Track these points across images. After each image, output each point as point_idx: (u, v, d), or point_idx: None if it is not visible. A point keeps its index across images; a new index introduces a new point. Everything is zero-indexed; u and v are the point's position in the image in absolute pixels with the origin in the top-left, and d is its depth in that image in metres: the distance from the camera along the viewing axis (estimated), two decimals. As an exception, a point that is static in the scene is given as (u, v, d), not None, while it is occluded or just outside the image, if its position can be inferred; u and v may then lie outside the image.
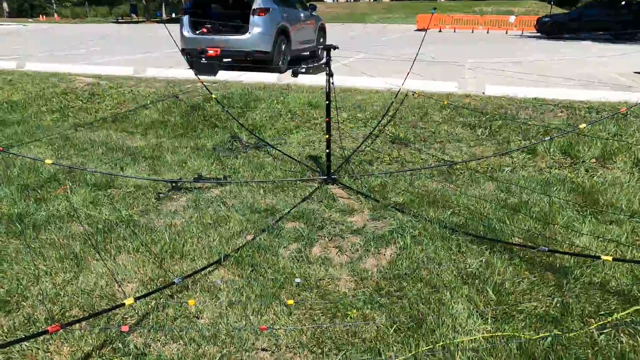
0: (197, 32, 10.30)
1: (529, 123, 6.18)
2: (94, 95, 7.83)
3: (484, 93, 8.05)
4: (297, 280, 2.88)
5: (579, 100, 7.21)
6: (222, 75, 9.79)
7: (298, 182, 4.47)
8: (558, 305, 2.65)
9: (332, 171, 4.51)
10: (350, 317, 2.59)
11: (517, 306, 2.64)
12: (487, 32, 29.19)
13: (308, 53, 13.00)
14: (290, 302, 2.62)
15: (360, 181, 4.44)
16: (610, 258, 2.63)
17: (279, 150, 5.32)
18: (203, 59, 9.80)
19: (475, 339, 2.40)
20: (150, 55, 14.98)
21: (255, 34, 9.89)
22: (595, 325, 2.46)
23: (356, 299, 2.74)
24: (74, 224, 3.71)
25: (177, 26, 10.24)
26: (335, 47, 4.10)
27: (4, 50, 15.93)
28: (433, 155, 5.29)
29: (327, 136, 4.35)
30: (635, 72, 10.64)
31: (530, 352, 2.31)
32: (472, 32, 29.79)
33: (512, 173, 4.78)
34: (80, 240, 3.41)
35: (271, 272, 3.01)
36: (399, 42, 20.18)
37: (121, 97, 7.75)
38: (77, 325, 2.42)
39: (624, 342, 2.36)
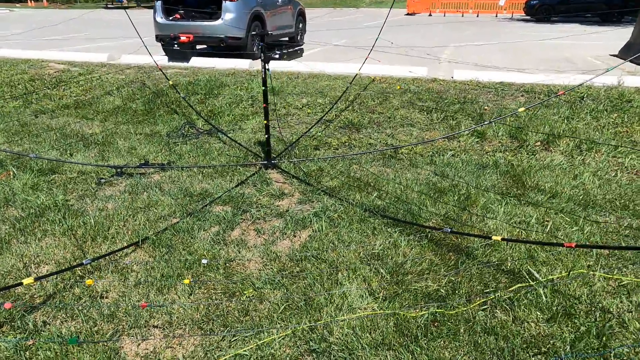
0: (171, 18, 10.30)
1: (485, 107, 6.23)
2: (61, 82, 7.90)
3: (452, 78, 8.08)
4: (204, 261, 2.98)
5: (542, 83, 7.25)
6: (195, 62, 9.83)
7: (239, 167, 4.56)
8: (449, 284, 2.75)
9: (273, 156, 4.60)
10: (247, 296, 2.69)
11: (410, 285, 2.74)
12: (477, 16, 28.99)
13: (287, 39, 12.98)
14: (187, 281, 2.72)
15: (300, 166, 4.52)
16: (499, 238, 2.73)
17: (228, 137, 5.41)
18: (176, 46, 9.82)
19: (359, 316, 2.50)
20: (131, 41, 14.93)
21: (228, 19, 9.90)
22: (477, 302, 2.56)
23: (258, 279, 2.84)
24: (10, 208, 3.80)
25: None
26: (267, 34, 4.15)
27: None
28: (381, 141, 5.36)
29: (265, 122, 4.43)
30: (610, 55, 10.64)
31: (407, 328, 2.42)
32: (462, 15, 29.58)
33: (453, 157, 4.86)
34: (9, 224, 3.51)
35: (185, 253, 3.12)
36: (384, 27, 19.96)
37: (88, 84, 7.81)
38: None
39: (497, 317, 2.47)
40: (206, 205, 3.77)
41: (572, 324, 2.41)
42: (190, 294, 2.74)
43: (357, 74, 6.89)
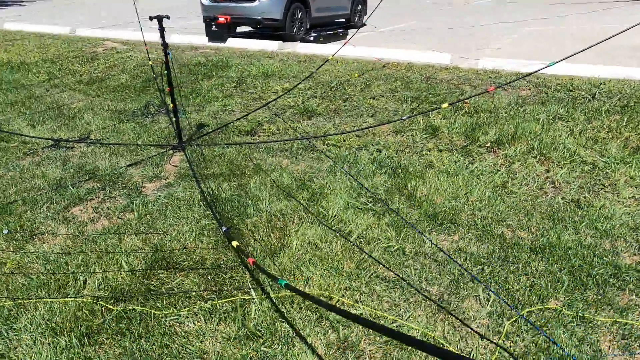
0: (214, 0, 10.76)
1: (465, 102, 5.65)
2: (93, 60, 8.75)
3: (477, 66, 7.42)
4: (5, 231, 3.23)
5: (567, 75, 6.33)
6: (231, 42, 10.19)
7: (151, 148, 4.75)
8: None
9: (184, 140, 4.72)
10: (9, 268, 2.88)
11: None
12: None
13: (344, 20, 12.79)
14: None
15: (202, 151, 4.57)
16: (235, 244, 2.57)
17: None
18: (214, 27, 10.25)
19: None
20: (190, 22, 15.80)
21: (265, 1, 10.06)
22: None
23: (50, 254, 3.02)
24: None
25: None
26: (166, 17, 4.23)
27: (70, 18, 17.96)
28: (316, 130, 5.16)
29: (172, 105, 4.54)
30: None
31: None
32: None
33: (376, 153, 4.51)
34: None
35: (11, 223, 3.39)
36: (464, 10, 18.55)
37: (113, 62, 8.55)
38: None
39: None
40: (77, 182, 4.00)
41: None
42: (-26, 259, 2.99)
43: (329, 58, 6.61)
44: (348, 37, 10.80)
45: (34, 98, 6.73)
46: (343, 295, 2.54)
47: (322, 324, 2.37)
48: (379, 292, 2.58)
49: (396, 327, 2.34)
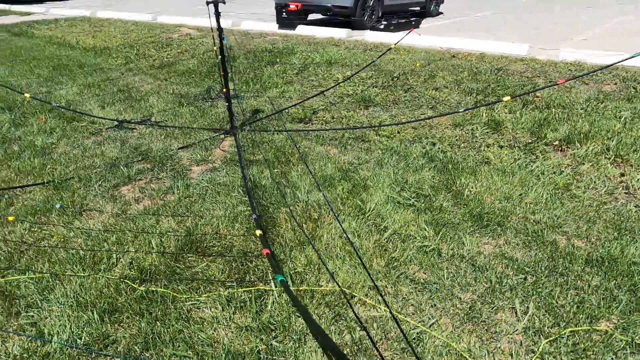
0: (285, -13, 10.81)
1: (537, 95, 5.24)
2: (167, 45, 9.10)
3: (557, 57, 6.90)
4: (58, 205, 3.40)
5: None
6: (300, 30, 10.20)
7: (206, 131, 4.83)
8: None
9: (237, 124, 4.77)
10: (56, 240, 3.04)
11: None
12: None
13: (418, 9, 12.39)
14: (11, 218, 3.18)
15: (252, 136, 4.58)
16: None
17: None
18: (284, 14, 10.31)
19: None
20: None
21: (334, -13, 9.96)
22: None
23: (92, 230, 3.16)
24: (15, 142, 4.80)
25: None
26: (222, 2, 4.25)
27: (156, 5, 18.77)
28: (372, 120, 5.00)
29: (225, 90, 4.58)
30: None
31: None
32: None
33: (429, 146, 4.30)
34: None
35: (65, 198, 3.59)
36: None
37: (184, 47, 8.85)
38: None
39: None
40: (131, 162, 4.16)
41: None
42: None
43: (392, 46, 6.37)
44: (419, 26, 10.44)
45: (109, 81, 7.10)
46: (367, 295, 2.42)
47: (340, 323, 2.26)
48: (405, 293, 2.43)
49: (417, 334, 2.18)
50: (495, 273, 2.54)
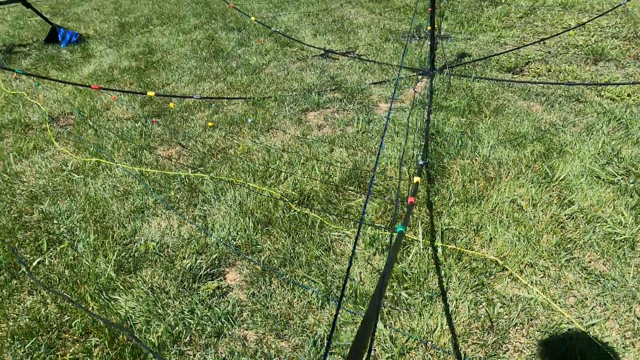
0: None
1: None
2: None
3: None
4: (250, 120, 3.75)
5: None
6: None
7: (404, 70, 4.73)
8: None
9: (437, 66, 4.54)
10: (242, 151, 3.39)
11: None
12: None
13: None
14: (210, 124, 3.60)
15: (449, 79, 4.31)
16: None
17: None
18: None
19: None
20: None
21: None
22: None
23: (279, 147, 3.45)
24: (235, 59, 5.42)
25: None
26: None
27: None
28: (601, 76, 4.22)
29: (430, 28, 4.36)
30: None
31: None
32: None
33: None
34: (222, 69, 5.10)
35: (259, 114, 3.94)
36: None
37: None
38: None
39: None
40: (329, 90, 4.32)
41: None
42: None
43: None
44: None
45: (327, 11, 7.36)
46: (521, 271, 2.12)
47: (482, 291, 2.04)
48: (570, 281, 2.06)
49: (568, 330, 1.84)
50: None
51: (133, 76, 4.99)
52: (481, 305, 1.98)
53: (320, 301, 2.06)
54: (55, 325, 2.10)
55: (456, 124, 3.48)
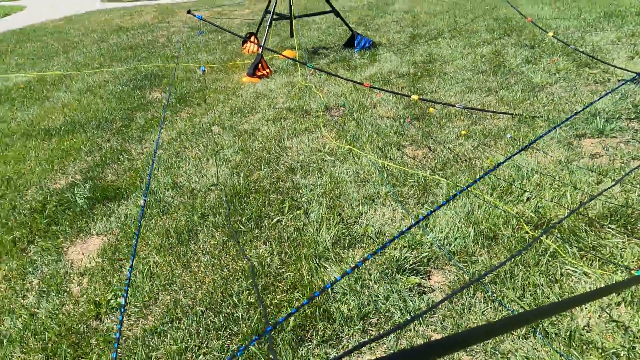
0: None
1: None
2: None
3: None
4: (509, 135, 3.51)
5: None
6: None
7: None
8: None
9: None
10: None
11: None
12: None
13: None
14: (464, 132, 3.49)
15: None
16: None
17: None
18: None
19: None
20: None
21: None
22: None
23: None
24: (515, 75, 5.17)
25: None
26: None
27: None
28: None
29: None
30: None
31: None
32: None
33: None
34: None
35: (522, 132, 3.68)
36: None
37: None
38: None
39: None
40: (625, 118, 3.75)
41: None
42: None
43: None
44: None
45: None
46: None
47: None
48: None
49: None
50: None
51: (407, 81, 5.23)
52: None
53: (524, 330, 1.78)
54: (273, 274, 2.36)
55: None
